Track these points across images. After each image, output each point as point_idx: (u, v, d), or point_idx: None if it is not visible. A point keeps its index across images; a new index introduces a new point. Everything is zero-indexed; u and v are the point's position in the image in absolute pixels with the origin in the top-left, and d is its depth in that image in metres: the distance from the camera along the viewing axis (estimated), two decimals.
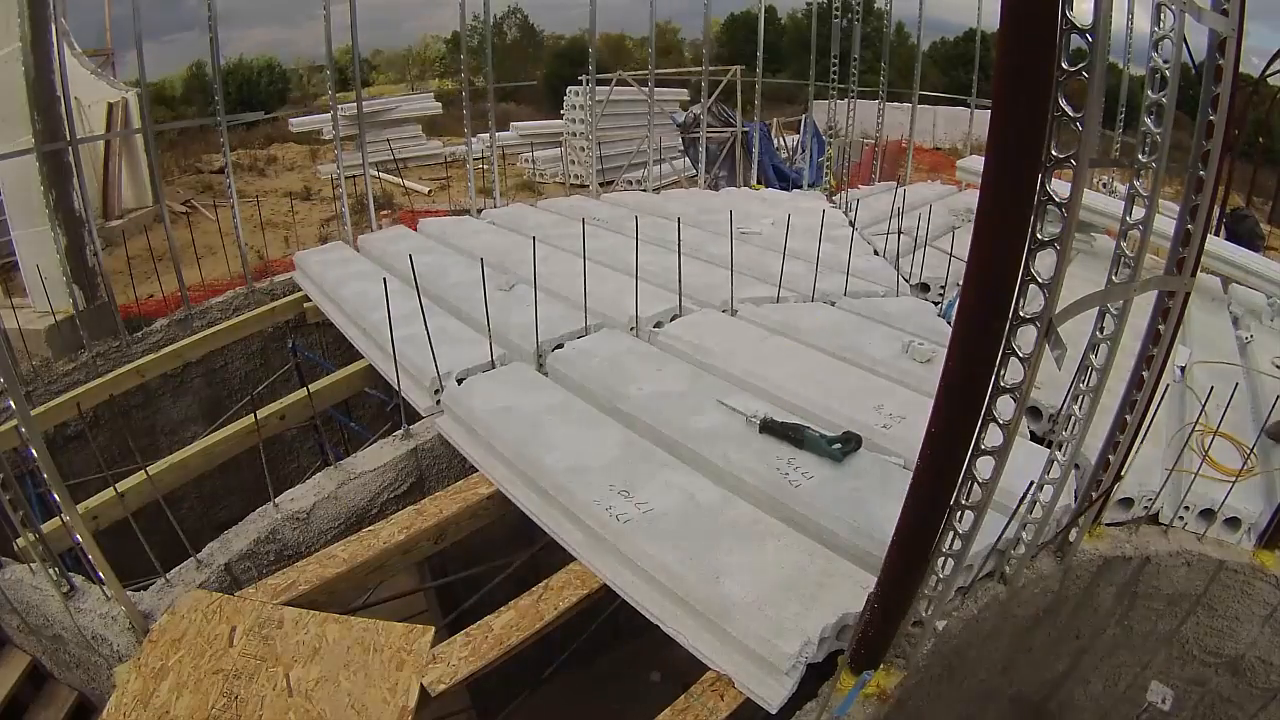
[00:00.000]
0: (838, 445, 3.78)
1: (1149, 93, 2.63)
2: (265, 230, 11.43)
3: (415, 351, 4.87)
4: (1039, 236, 2.16)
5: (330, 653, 3.06)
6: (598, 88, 10.73)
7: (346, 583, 3.60)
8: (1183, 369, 5.22)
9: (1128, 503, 3.94)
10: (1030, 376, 2.37)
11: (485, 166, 10.38)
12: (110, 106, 12.08)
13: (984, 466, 2.55)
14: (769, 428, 3.97)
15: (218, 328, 6.45)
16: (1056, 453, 3.15)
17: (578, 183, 15.21)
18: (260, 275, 7.56)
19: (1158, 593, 3.95)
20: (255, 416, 4.52)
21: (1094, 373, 2.93)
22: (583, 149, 11.50)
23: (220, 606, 3.29)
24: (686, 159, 14.67)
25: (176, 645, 3.11)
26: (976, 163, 7.67)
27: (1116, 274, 2.78)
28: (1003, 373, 2.36)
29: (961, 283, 2.36)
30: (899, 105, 11.29)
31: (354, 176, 9.84)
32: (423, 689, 2.91)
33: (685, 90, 17.35)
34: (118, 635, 3.30)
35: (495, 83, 9.23)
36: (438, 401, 4.74)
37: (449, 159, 18.34)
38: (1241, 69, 2.75)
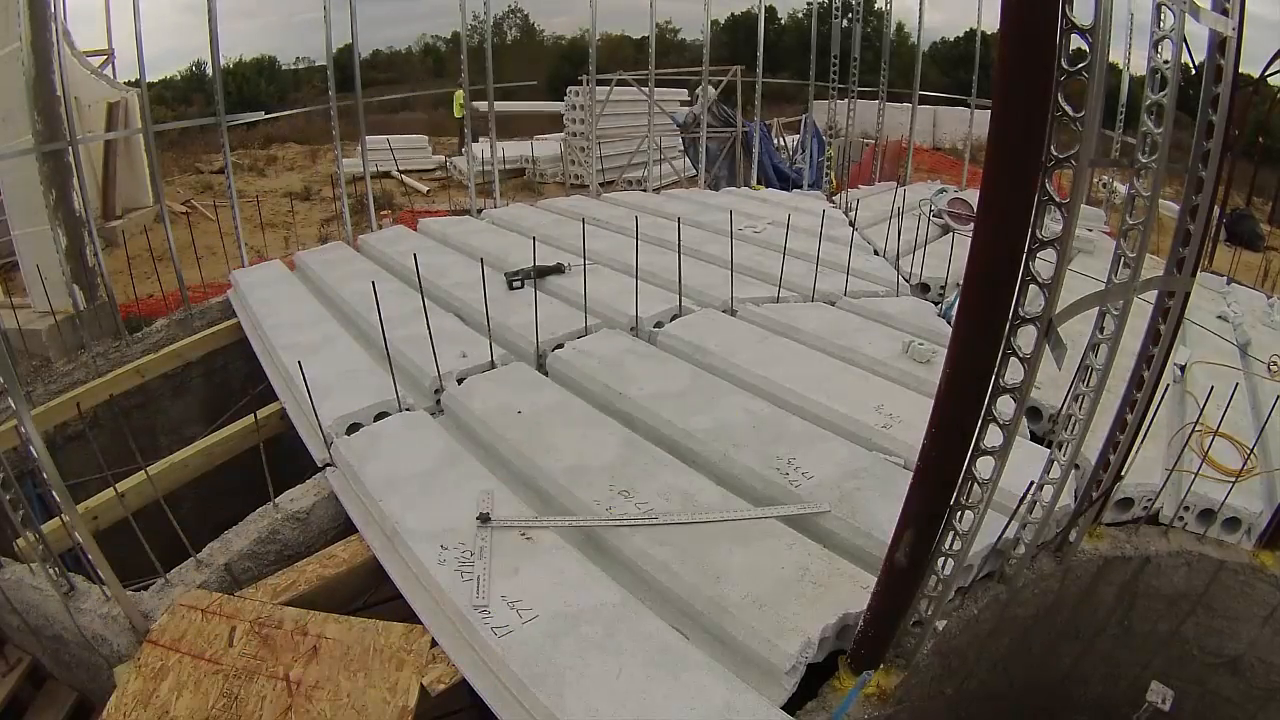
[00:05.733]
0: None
1: (1149, 93, 2.63)
2: (265, 230, 11.45)
3: (415, 351, 4.88)
4: (1039, 236, 2.17)
5: (330, 653, 3.06)
6: (598, 88, 10.74)
7: (346, 583, 3.60)
8: (1182, 369, 5.22)
9: (1128, 503, 3.94)
10: (1030, 376, 2.37)
11: (485, 167, 10.38)
12: (110, 106, 12.09)
13: (984, 466, 2.55)
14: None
15: (218, 328, 6.44)
16: (1056, 453, 3.15)
17: (578, 183, 15.21)
18: None
19: (1158, 593, 3.95)
20: (255, 416, 4.51)
21: (1094, 373, 2.93)
22: (583, 149, 11.50)
23: (220, 606, 3.29)
24: (686, 159, 14.68)
25: (176, 645, 3.11)
26: None
27: (1116, 274, 2.78)
28: (1003, 373, 2.36)
29: (961, 283, 2.36)
30: (899, 105, 11.28)
31: (357, 180, 9.85)
32: (423, 689, 2.91)
33: (685, 90, 17.35)
34: (118, 635, 3.30)
35: (495, 83, 9.23)
36: (438, 402, 4.75)
37: (450, 168, 18.41)
38: (1241, 69, 2.75)
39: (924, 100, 10.84)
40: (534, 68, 25.83)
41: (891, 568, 2.74)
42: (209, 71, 8.89)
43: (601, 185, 12.07)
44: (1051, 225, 2.17)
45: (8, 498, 3.29)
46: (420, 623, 3.18)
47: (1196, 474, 3.96)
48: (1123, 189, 7.46)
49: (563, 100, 17.54)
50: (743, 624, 2.94)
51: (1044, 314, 2.26)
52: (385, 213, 12.35)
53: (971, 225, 2.42)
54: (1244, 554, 3.85)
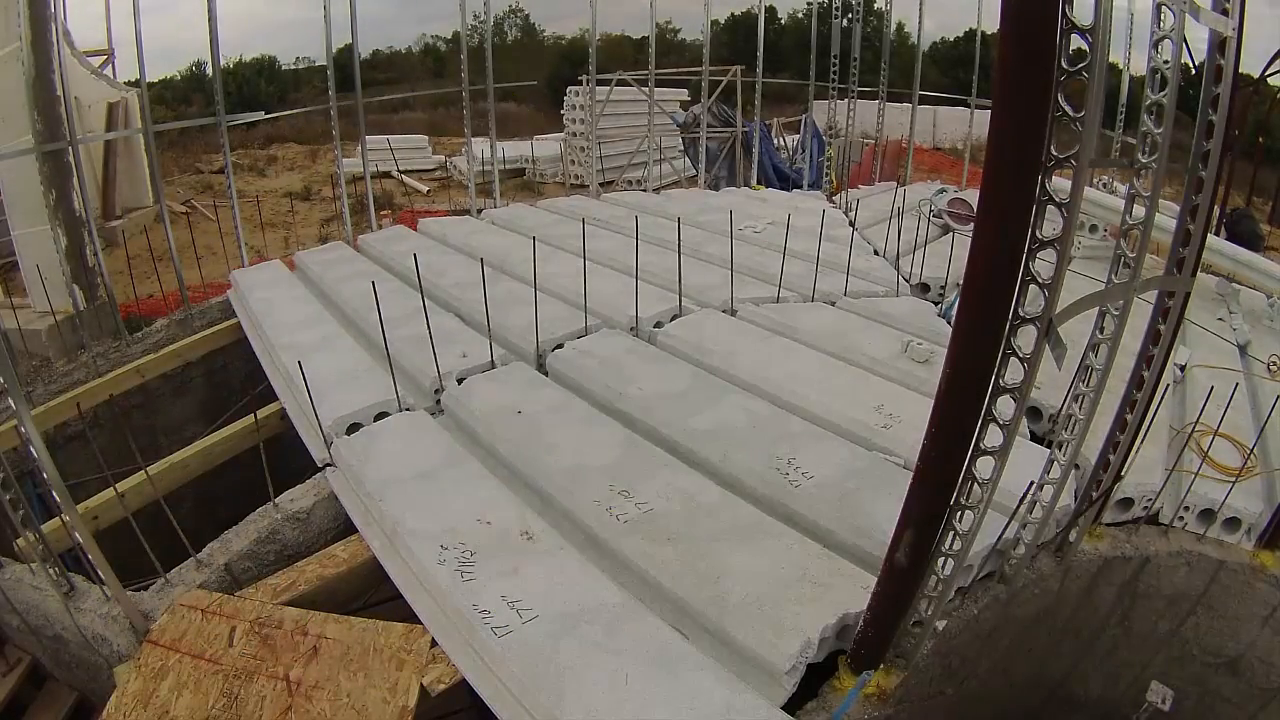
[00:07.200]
0: None
1: (1149, 93, 2.63)
2: (265, 230, 11.46)
3: (415, 351, 4.88)
4: (1039, 236, 2.17)
5: (330, 653, 3.06)
6: (598, 88, 10.74)
7: (346, 583, 3.60)
8: (1182, 369, 5.22)
9: (1128, 503, 3.94)
10: (1030, 376, 2.37)
11: (485, 166, 10.40)
12: (110, 106, 12.09)
13: (984, 466, 2.55)
14: None
15: (218, 328, 6.44)
16: (1056, 453, 3.15)
17: (578, 183, 15.21)
18: None
19: (1158, 593, 3.95)
20: (255, 416, 4.51)
21: (1094, 373, 2.93)
22: (583, 149, 11.51)
23: (220, 606, 3.29)
24: (686, 159, 14.68)
25: (176, 645, 3.11)
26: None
27: (1116, 274, 2.78)
28: (1003, 373, 2.36)
29: (961, 283, 2.36)
30: (899, 105, 11.28)
31: (357, 180, 9.87)
32: (423, 689, 2.91)
33: (685, 90, 17.36)
34: (118, 635, 3.30)
35: (495, 83, 9.23)
36: (438, 402, 4.75)
37: (450, 169, 18.43)
38: (1241, 69, 2.75)
39: (924, 100, 10.84)
40: (534, 68, 25.82)
41: (891, 568, 2.74)
42: (209, 71, 8.89)
43: (601, 185, 12.07)
44: (1050, 225, 2.17)
45: (8, 498, 3.30)
46: (420, 623, 3.18)
47: (1196, 474, 3.96)
48: (1123, 189, 7.45)
49: (562, 101, 17.54)
50: (743, 624, 2.94)
51: (1044, 314, 2.25)
52: (385, 213, 12.35)
53: (971, 225, 2.42)
54: (1244, 554, 3.85)
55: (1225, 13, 2.59)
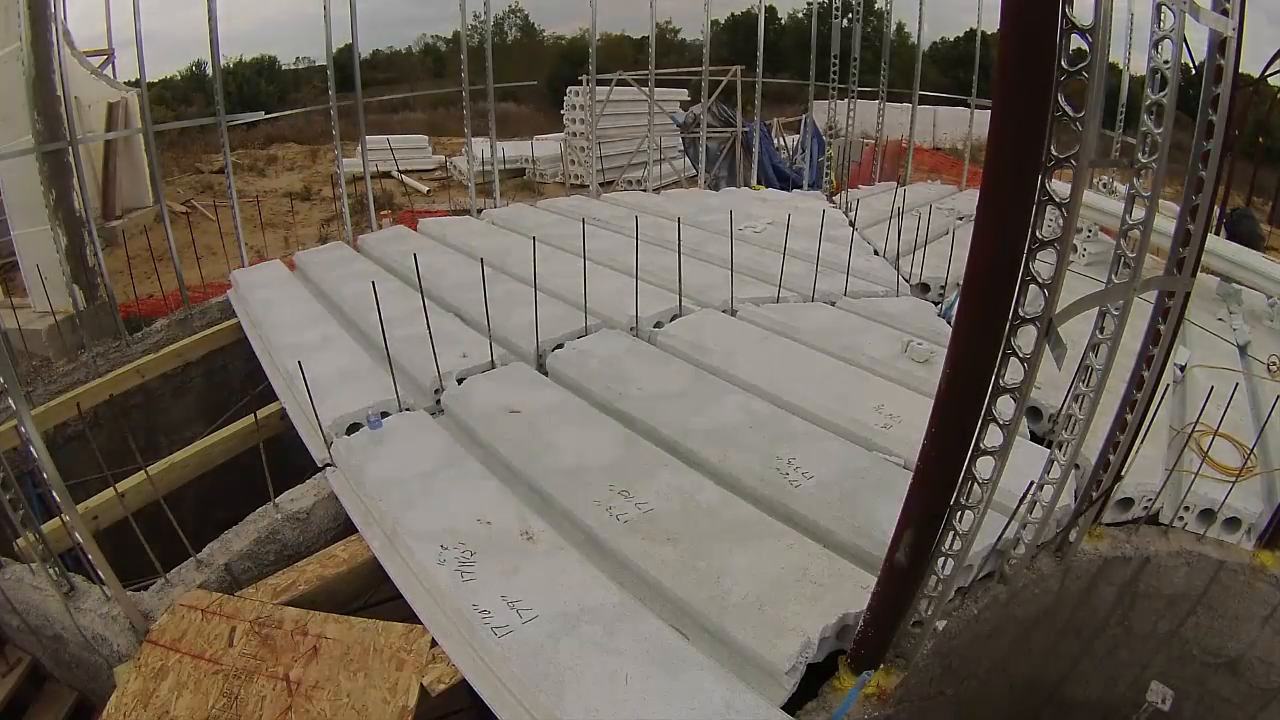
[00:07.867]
0: None
1: (1149, 93, 2.63)
2: (265, 230, 11.46)
3: (415, 351, 4.88)
4: (1039, 236, 2.17)
5: (330, 653, 3.06)
6: (598, 88, 10.74)
7: (346, 583, 3.60)
8: (1182, 369, 5.22)
9: (1128, 503, 3.94)
10: (1030, 376, 2.37)
11: (485, 166, 10.41)
12: (110, 106, 12.09)
13: (984, 466, 2.55)
14: None
15: (218, 328, 6.45)
16: (1056, 453, 3.15)
17: (578, 183, 15.21)
18: None
19: (1158, 593, 3.95)
20: (255, 416, 4.51)
21: (1094, 373, 2.93)
22: (583, 149, 11.50)
23: (220, 606, 3.29)
24: (686, 159, 14.68)
25: (176, 645, 3.11)
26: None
27: (1117, 274, 2.78)
28: (1003, 373, 2.36)
29: (961, 283, 2.36)
30: (899, 105, 11.27)
31: (357, 180, 9.87)
32: (423, 689, 2.91)
33: (685, 90, 17.35)
34: (118, 635, 3.30)
35: (495, 83, 9.23)
36: (438, 402, 4.75)
37: (450, 169, 18.44)
38: (1241, 69, 2.75)
39: (924, 100, 10.84)
40: (534, 68, 25.81)
41: (891, 568, 2.74)
42: (209, 71, 8.91)
43: (601, 185, 12.07)
44: (1051, 225, 2.16)
45: (8, 498, 3.30)
46: (420, 623, 3.18)
47: (1196, 474, 3.96)
48: (1123, 189, 7.44)
49: (562, 101, 17.54)
50: (743, 624, 2.94)
51: (1044, 314, 2.26)
52: (385, 213, 12.34)
53: None
54: (1244, 554, 3.85)
55: (1225, 13, 2.59)
